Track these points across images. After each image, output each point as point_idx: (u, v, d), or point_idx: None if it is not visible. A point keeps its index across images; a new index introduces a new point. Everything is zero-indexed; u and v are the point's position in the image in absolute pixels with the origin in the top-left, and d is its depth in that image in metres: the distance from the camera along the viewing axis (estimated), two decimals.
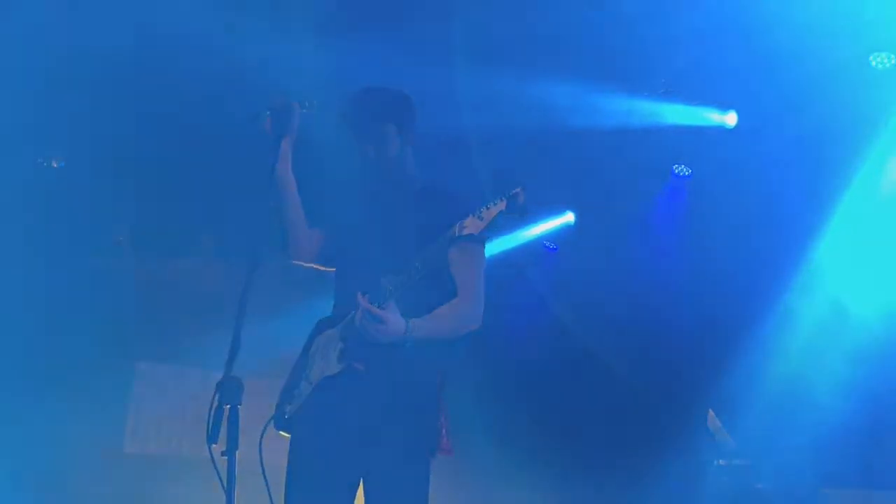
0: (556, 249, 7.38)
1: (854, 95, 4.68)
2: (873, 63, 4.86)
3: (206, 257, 7.57)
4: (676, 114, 5.79)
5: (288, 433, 2.89)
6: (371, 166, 2.97)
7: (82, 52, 4.70)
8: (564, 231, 7.08)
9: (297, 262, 3.12)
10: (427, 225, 2.79)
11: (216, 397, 2.19)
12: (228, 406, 2.17)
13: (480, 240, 2.71)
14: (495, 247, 6.76)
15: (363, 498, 2.80)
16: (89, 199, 6.65)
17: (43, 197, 6.34)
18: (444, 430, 2.71)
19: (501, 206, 2.42)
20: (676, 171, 6.40)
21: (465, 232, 2.46)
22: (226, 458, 2.16)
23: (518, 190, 2.41)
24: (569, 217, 7.07)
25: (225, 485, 2.11)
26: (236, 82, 4.66)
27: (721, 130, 5.77)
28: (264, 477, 2.48)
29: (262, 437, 2.63)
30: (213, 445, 2.17)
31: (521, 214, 2.45)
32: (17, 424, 6.21)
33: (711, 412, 5.62)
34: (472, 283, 2.79)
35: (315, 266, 3.15)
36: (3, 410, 6.16)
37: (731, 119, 5.81)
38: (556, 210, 7.02)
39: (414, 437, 2.69)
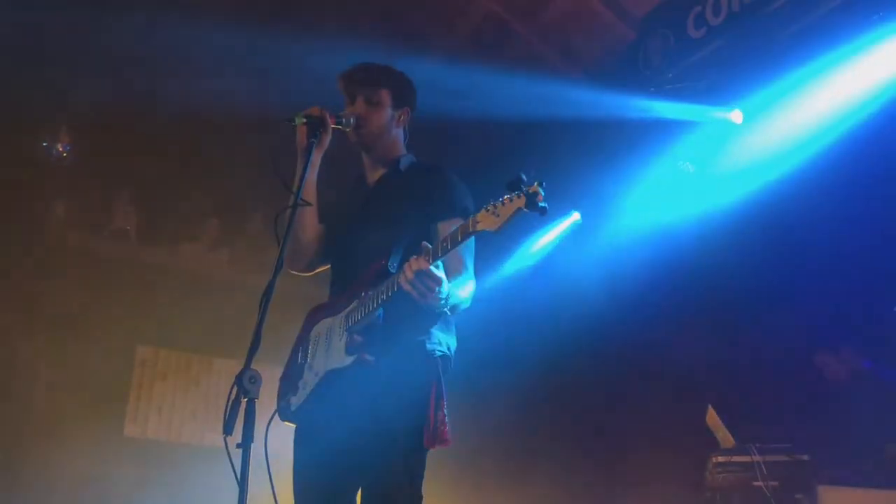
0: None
1: None
2: None
3: (209, 243, 7.58)
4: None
5: (294, 424, 2.86)
6: (361, 138, 2.97)
7: None
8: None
9: (295, 272, 3.10)
10: (413, 207, 2.85)
11: (234, 390, 2.17)
12: (246, 399, 2.16)
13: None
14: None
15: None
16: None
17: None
18: (444, 420, 2.67)
19: (520, 202, 2.21)
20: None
21: (479, 227, 2.29)
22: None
23: (535, 186, 2.19)
24: (576, 217, 7.03)
25: (238, 476, 2.11)
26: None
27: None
28: (268, 467, 2.45)
29: (268, 427, 2.55)
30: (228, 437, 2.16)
31: (542, 213, 2.22)
32: (16, 403, 6.23)
33: (710, 408, 5.56)
34: (468, 264, 2.81)
35: (313, 272, 3.13)
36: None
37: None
38: (563, 210, 6.96)
39: (415, 427, 2.67)
